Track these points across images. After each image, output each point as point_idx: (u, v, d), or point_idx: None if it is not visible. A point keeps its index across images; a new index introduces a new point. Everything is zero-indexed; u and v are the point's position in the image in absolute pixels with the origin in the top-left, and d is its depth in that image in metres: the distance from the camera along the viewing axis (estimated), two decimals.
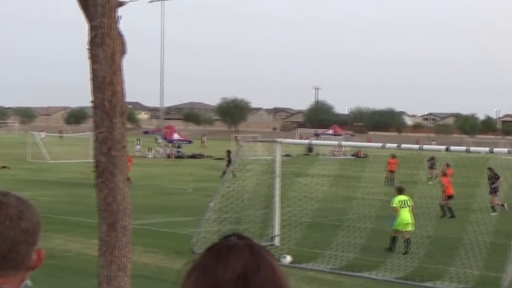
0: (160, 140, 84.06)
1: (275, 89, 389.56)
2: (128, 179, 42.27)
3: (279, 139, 28.39)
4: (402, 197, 24.82)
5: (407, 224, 24.42)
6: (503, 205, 35.15)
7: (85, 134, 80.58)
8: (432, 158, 49.73)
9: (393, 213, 24.66)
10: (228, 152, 54.65)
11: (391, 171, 49.45)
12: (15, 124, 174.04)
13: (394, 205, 24.61)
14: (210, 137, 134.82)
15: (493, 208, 34.16)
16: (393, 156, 48.46)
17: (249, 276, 2.06)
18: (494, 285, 19.63)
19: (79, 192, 39.88)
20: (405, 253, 23.84)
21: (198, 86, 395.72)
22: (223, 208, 25.42)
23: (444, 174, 35.22)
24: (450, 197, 34.05)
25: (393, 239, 24.68)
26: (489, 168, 35.72)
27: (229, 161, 52.85)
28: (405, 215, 24.38)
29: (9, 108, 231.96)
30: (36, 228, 2.64)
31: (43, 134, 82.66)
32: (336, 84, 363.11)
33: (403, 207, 24.45)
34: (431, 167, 49.39)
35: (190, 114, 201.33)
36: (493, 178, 35.24)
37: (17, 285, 2.64)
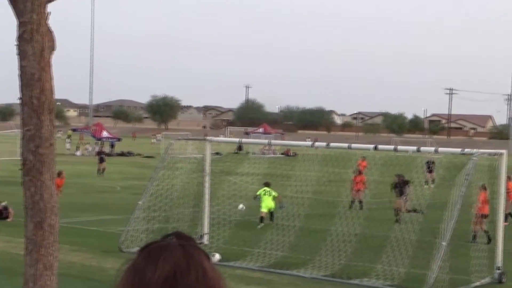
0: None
1: (206, 87, 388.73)
2: None
3: (209, 137, 28.38)
4: (266, 188, 30.64)
5: (268, 207, 30.29)
6: (415, 211, 31.39)
7: (12, 132, 79.23)
8: (430, 161, 48.05)
9: (280, 201, 30.74)
10: (102, 151, 64.69)
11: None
12: None
13: (258, 193, 30.59)
14: (140, 135, 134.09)
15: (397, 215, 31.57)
16: (363, 159, 46.92)
17: (177, 277, 2.03)
18: (420, 282, 19.95)
19: (5, 190, 39.17)
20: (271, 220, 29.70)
21: (128, 83, 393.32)
22: (152, 207, 25.28)
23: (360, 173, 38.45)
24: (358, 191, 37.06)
25: (261, 219, 29.73)
26: (398, 175, 33.90)
27: (102, 159, 57.16)
28: (267, 202, 30.17)
29: None
30: None
31: None
32: (267, 83, 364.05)
33: (265, 195, 30.20)
34: (430, 170, 48.32)
35: (119, 111, 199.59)
36: (401, 184, 33.12)
37: None
